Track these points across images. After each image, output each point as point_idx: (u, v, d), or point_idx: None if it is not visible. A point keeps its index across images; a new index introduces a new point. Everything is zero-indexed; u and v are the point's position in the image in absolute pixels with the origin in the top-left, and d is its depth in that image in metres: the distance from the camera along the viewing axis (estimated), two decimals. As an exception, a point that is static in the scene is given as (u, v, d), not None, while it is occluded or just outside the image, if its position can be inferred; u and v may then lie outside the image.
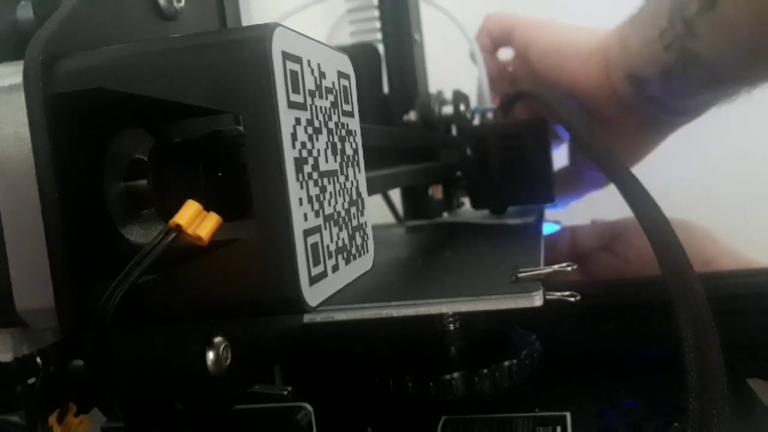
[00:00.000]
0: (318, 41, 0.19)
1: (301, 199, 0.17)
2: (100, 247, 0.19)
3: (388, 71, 0.54)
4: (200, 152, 0.20)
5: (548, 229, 0.53)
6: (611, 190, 0.35)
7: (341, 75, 0.21)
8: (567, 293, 0.28)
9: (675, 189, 0.53)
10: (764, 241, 0.49)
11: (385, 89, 0.55)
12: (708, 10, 0.37)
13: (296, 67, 0.17)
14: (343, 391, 0.38)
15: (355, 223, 0.21)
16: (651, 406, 0.34)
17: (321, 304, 0.18)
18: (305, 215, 0.17)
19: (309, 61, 0.18)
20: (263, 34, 0.16)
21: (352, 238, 0.20)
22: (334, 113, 0.20)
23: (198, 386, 0.21)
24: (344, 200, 0.20)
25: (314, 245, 0.17)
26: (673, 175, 0.63)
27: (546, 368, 0.35)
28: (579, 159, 0.56)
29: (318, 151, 0.18)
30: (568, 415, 0.33)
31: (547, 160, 0.46)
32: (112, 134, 0.20)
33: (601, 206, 0.53)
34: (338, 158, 0.20)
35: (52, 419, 0.21)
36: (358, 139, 0.22)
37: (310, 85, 0.18)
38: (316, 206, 0.18)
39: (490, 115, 0.53)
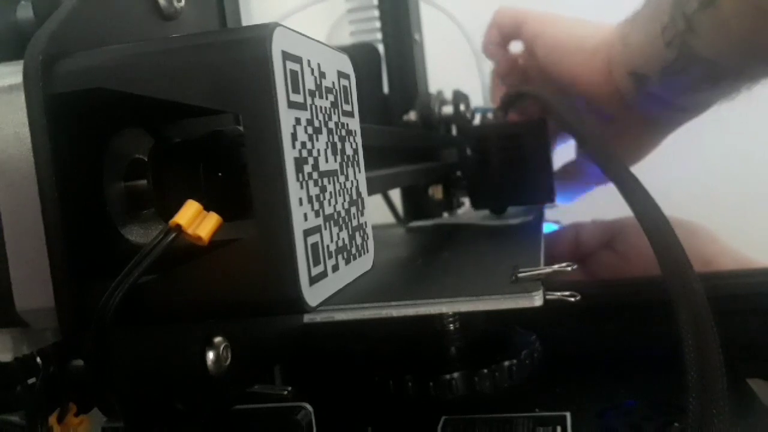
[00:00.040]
0: (318, 41, 0.19)
1: (301, 199, 0.17)
2: (100, 247, 0.19)
3: (388, 71, 0.54)
4: (200, 152, 0.20)
5: (548, 228, 0.53)
6: (612, 189, 0.35)
7: (341, 75, 0.21)
8: (567, 293, 0.28)
9: (675, 189, 0.53)
10: (764, 241, 0.49)
11: (385, 89, 0.55)
12: (708, 7, 0.37)
13: (296, 67, 0.17)
14: (343, 391, 0.38)
15: (355, 223, 0.21)
16: (651, 406, 0.34)
17: (321, 304, 0.17)
18: (305, 215, 0.17)
19: (309, 61, 0.18)
20: (263, 34, 0.16)
21: (352, 238, 0.20)
22: (334, 113, 0.20)
23: (198, 386, 0.21)
24: (344, 200, 0.20)
25: (314, 245, 0.17)
26: (673, 175, 0.63)
27: (546, 368, 0.35)
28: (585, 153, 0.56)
29: (318, 151, 0.18)
30: (568, 415, 0.33)
31: (547, 160, 0.46)
32: (112, 134, 0.20)
33: (601, 206, 0.53)
34: (338, 158, 0.20)
35: (52, 419, 0.21)
36: (358, 139, 0.22)
37: (310, 85, 0.18)
38: (316, 206, 0.18)
39: (490, 115, 0.53)
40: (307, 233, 0.17)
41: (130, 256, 0.17)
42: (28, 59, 0.18)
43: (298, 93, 0.17)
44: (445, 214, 0.54)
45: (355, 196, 0.21)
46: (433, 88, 0.56)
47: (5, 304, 0.19)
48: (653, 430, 0.32)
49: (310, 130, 0.18)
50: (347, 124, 0.21)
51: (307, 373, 0.39)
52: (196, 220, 0.17)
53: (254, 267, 0.17)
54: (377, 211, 0.54)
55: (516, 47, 0.59)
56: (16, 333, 0.20)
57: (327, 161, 0.19)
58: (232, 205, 0.18)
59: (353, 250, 0.20)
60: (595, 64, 0.49)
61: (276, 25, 0.16)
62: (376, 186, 0.31)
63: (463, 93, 0.53)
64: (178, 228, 0.17)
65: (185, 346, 0.20)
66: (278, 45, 0.16)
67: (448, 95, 0.53)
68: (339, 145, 0.20)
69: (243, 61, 0.16)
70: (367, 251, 0.22)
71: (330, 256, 0.18)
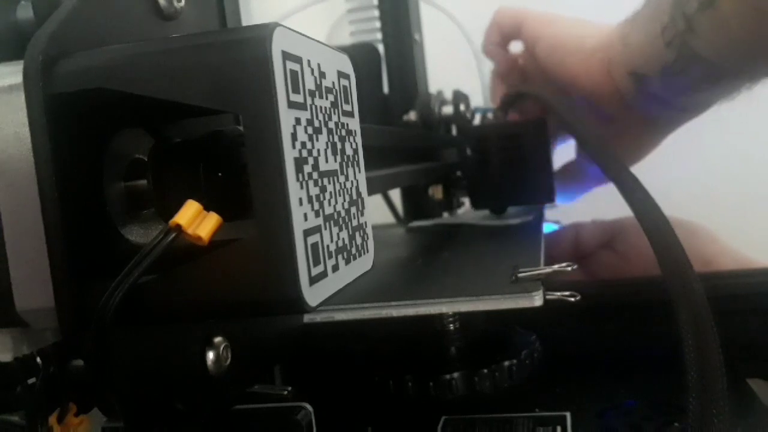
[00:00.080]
0: (318, 41, 0.19)
1: (301, 199, 0.17)
2: (100, 247, 0.19)
3: (388, 71, 0.54)
4: (200, 152, 0.20)
5: (548, 228, 0.53)
6: (612, 189, 0.35)
7: (341, 75, 0.21)
8: (567, 293, 0.28)
9: (675, 189, 0.53)
10: (764, 241, 0.49)
11: (385, 89, 0.55)
12: (708, 7, 0.37)
13: (296, 67, 0.17)
14: (343, 391, 0.38)
15: (355, 223, 0.21)
16: (651, 406, 0.34)
17: (321, 304, 0.17)
18: (305, 215, 0.17)
19: (309, 61, 0.18)
20: (263, 34, 0.16)
21: (352, 238, 0.20)
22: (334, 113, 0.20)
23: (198, 386, 0.21)
24: (344, 200, 0.20)
25: (314, 245, 0.17)
26: (673, 175, 0.63)
27: (546, 368, 0.35)
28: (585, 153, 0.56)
29: (318, 151, 0.18)
30: (568, 415, 0.33)
31: (547, 160, 0.46)
32: (112, 134, 0.20)
33: (601, 206, 0.53)
34: (338, 158, 0.20)
35: (52, 419, 0.21)
36: (358, 139, 0.22)
37: (310, 85, 0.18)
38: (316, 206, 0.18)
39: (490, 115, 0.53)
40: (307, 233, 0.17)
41: (130, 256, 0.17)
42: (28, 59, 0.18)
43: (298, 93, 0.17)
44: (445, 214, 0.54)
45: (355, 196, 0.21)
46: (433, 88, 0.56)
47: (5, 304, 0.19)
48: (653, 430, 0.32)
49: (310, 130, 0.18)
50: (347, 124, 0.21)
51: (307, 373, 0.39)
52: (196, 220, 0.17)
53: (254, 267, 0.17)
54: (377, 211, 0.54)
55: (516, 47, 0.59)
56: (16, 333, 0.20)
57: (327, 161, 0.19)
58: (232, 205, 0.18)
59: (353, 250, 0.20)
60: (594, 64, 0.49)
61: (276, 25, 0.16)
62: (376, 186, 0.31)
63: (463, 93, 0.53)
64: (178, 228, 0.17)
65: (185, 346, 0.20)
66: (278, 45, 0.16)
67: (448, 95, 0.53)
68: (339, 145, 0.20)
69: (243, 61, 0.16)
70: (367, 251, 0.22)
71: (330, 256, 0.18)
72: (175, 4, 0.23)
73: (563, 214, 0.58)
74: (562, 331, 0.40)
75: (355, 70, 0.22)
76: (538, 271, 0.28)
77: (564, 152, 0.59)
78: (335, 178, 0.19)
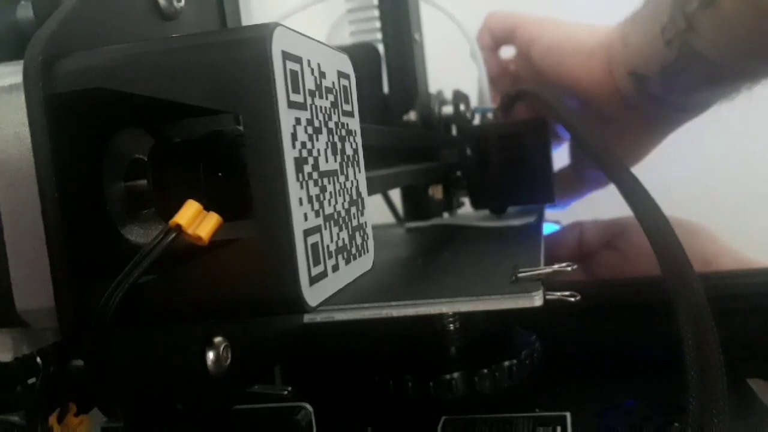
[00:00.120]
0: (318, 41, 0.19)
1: (301, 199, 0.17)
2: (100, 247, 0.19)
3: (388, 71, 0.54)
4: (200, 152, 0.20)
5: (548, 229, 0.53)
6: (611, 189, 0.35)
7: (341, 75, 0.21)
8: (567, 293, 0.28)
9: (675, 189, 0.53)
10: (764, 241, 0.49)
11: (385, 89, 0.54)
12: (708, 6, 0.37)
13: (296, 67, 0.17)
14: (343, 391, 0.38)
15: (355, 223, 0.21)
16: (651, 406, 0.34)
17: (321, 304, 0.17)
18: (305, 215, 0.17)
19: (309, 61, 0.18)
20: (263, 34, 0.16)
21: (352, 238, 0.20)
22: (334, 113, 0.20)
23: (198, 386, 0.21)
24: (344, 200, 0.20)
25: (314, 245, 0.17)
26: (673, 175, 0.63)
27: (546, 368, 0.35)
28: (579, 158, 0.56)
29: (318, 151, 0.18)
30: (568, 415, 0.33)
31: (547, 160, 0.46)
32: (112, 134, 0.20)
33: (601, 206, 0.53)
34: (338, 158, 0.20)
35: (52, 419, 0.21)
36: (358, 139, 0.22)
37: (310, 85, 0.18)
38: (316, 206, 0.18)
39: (490, 115, 0.53)
40: (307, 233, 0.17)
41: (130, 256, 0.17)
42: (28, 59, 0.18)
43: (298, 93, 0.17)
44: (445, 214, 0.54)
45: (355, 196, 0.21)
46: (433, 88, 0.56)
47: (5, 304, 0.19)
48: (653, 430, 0.32)
49: (310, 130, 0.18)
50: (347, 124, 0.21)
51: (307, 373, 0.39)
52: (196, 220, 0.17)
53: (254, 267, 0.17)
54: (377, 211, 0.54)
55: (507, 52, 0.59)
56: (16, 333, 0.20)
57: (327, 161, 0.19)
58: (232, 205, 0.18)
59: (353, 250, 0.20)
60: (594, 65, 0.49)
61: (276, 25, 0.16)
62: (376, 186, 0.31)
63: (463, 93, 0.53)
64: (178, 228, 0.17)
65: (185, 346, 0.20)
66: (278, 45, 0.16)
67: (448, 95, 0.53)
68: (339, 145, 0.20)
69: (243, 61, 0.16)
70: (367, 251, 0.22)
71: (330, 256, 0.18)
72: (175, 4, 0.23)
73: (563, 214, 0.58)
74: (562, 331, 0.40)
75: (355, 70, 0.22)
76: (538, 271, 0.28)
77: (564, 152, 0.59)
78: (335, 178, 0.19)
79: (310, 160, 0.18)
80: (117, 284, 0.17)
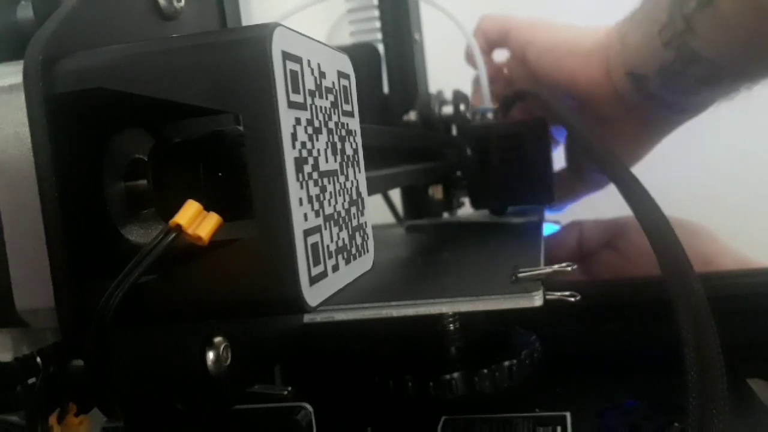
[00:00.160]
0: (318, 41, 0.19)
1: (301, 199, 0.17)
2: (100, 247, 0.19)
3: (388, 71, 0.54)
4: (200, 152, 0.20)
5: (548, 229, 0.53)
6: (611, 190, 0.35)
7: (341, 75, 0.21)
8: (567, 293, 0.28)
9: (675, 189, 0.53)
10: (764, 241, 0.49)
11: (385, 89, 0.54)
12: (707, 6, 0.37)
13: (296, 67, 0.17)
14: (343, 391, 0.38)
15: (355, 223, 0.21)
16: (651, 406, 0.34)
17: (321, 304, 0.18)
18: (305, 215, 0.17)
19: (309, 61, 0.18)
20: (263, 34, 0.16)
21: (352, 238, 0.20)
22: (334, 113, 0.20)
23: (198, 386, 0.21)
24: (344, 200, 0.20)
25: (314, 245, 0.17)
26: (673, 175, 0.63)
27: (546, 368, 0.35)
28: (576, 161, 0.56)
29: (318, 151, 0.18)
30: (568, 415, 0.33)
31: (547, 160, 0.46)
32: (112, 134, 0.20)
33: (601, 206, 0.53)
34: (338, 158, 0.20)
35: (52, 419, 0.21)
36: (358, 139, 0.22)
37: (310, 85, 0.18)
38: (316, 206, 0.18)
39: (489, 115, 0.53)
40: (307, 233, 0.17)
41: (130, 256, 0.17)
42: (28, 59, 0.18)
43: (298, 93, 0.17)
44: (445, 214, 0.54)
45: (355, 196, 0.21)
46: (433, 88, 0.56)
47: (5, 304, 0.19)
48: (653, 430, 0.32)
49: (310, 130, 0.18)
50: (347, 124, 0.21)
51: (307, 373, 0.39)
52: (196, 220, 0.17)
53: (254, 267, 0.17)
54: (377, 211, 0.54)
55: (500, 56, 0.59)
56: (16, 333, 0.20)
57: (327, 161, 0.19)
58: (232, 205, 0.18)
59: (353, 250, 0.20)
60: (591, 66, 0.49)
61: (276, 25, 0.16)
62: (376, 186, 0.31)
63: (463, 93, 0.53)
64: (178, 228, 0.17)
65: (185, 346, 0.20)
66: (278, 45, 0.16)
67: (448, 95, 0.53)
68: (339, 145, 0.20)
69: (243, 61, 0.16)
70: (367, 251, 0.22)
71: (330, 256, 0.18)
72: (175, 4, 0.23)
73: (561, 215, 0.57)
74: (562, 331, 0.40)
75: (355, 70, 0.22)
76: (538, 271, 0.28)
77: (560, 155, 0.59)
78: (335, 178, 0.19)
79: (310, 160, 0.18)
80: (117, 284, 0.17)
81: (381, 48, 0.54)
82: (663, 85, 0.44)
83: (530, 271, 0.28)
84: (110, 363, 0.18)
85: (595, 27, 0.50)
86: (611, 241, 0.52)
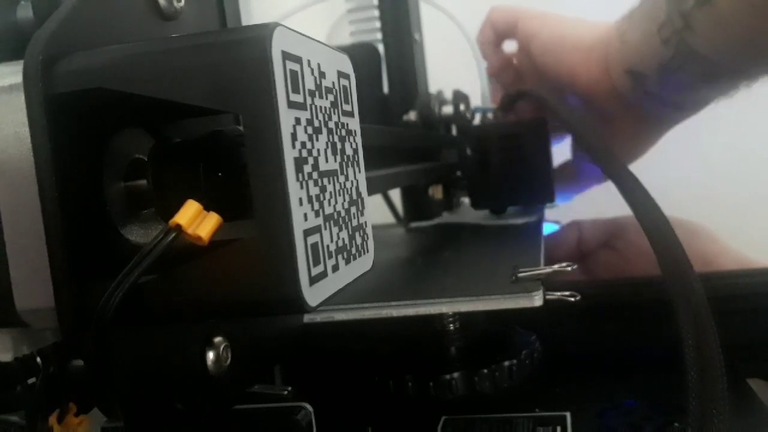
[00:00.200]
0: (318, 41, 0.19)
1: (301, 199, 0.17)
2: (100, 247, 0.19)
3: (388, 71, 0.54)
4: (200, 152, 0.20)
5: (548, 229, 0.53)
6: (611, 188, 0.35)
7: (341, 75, 0.21)
8: (567, 293, 0.28)
9: (675, 189, 0.53)
10: (764, 241, 0.49)
11: (385, 89, 0.54)
12: (705, 4, 0.37)
13: (296, 67, 0.17)
14: (343, 391, 0.38)
15: (355, 223, 0.21)
16: (651, 406, 0.34)
17: (321, 304, 0.17)
18: (305, 215, 0.17)
19: (309, 61, 0.18)
20: (263, 34, 0.16)
21: (352, 238, 0.20)
22: (334, 113, 0.20)
23: (198, 386, 0.21)
24: (344, 200, 0.20)
25: (314, 245, 0.17)
26: (673, 174, 0.63)
27: (546, 368, 0.35)
28: (581, 153, 0.56)
29: (318, 151, 0.18)
30: (568, 415, 0.33)
31: (547, 160, 0.46)
32: (112, 134, 0.20)
33: (601, 205, 0.53)
34: (338, 158, 0.20)
35: (52, 419, 0.21)
36: (358, 139, 0.22)
37: (310, 85, 0.18)
38: (316, 206, 0.18)
39: (490, 115, 0.53)
40: (307, 233, 0.17)
41: (130, 256, 0.17)
42: (28, 59, 0.18)
43: (298, 93, 0.17)
44: (445, 214, 0.54)
45: (355, 196, 0.21)
46: (433, 88, 0.56)
47: (5, 304, 0.19)
48: (653, 430, 0.32)
49: (310, 130, 0.18)
50: (347, 124, 0.21)
51: (307, 373, 0.39)
52: (196, 220, 0.17)
53: (254, 267, 0.17)
54: (377, 211, 0.54)
55: (510, 46, 0.59)
56: (16, 333, 0.20)
57: (327, 161, 0.19)
58: (232, 205, 0.18)
59: (353, 250, 0.20)
60: (592, 63, 0.49)
61: (276, 25, 0.16)
62: (376, 186, 0.31)
63: (463, 93, 0.53)
64: (178, 228, 0.17)
65: (185, 346, 0.20)
66: (278, 45, 0.16)
67: (448, 95, 0.53)
68: (339, 145, 0.20)
69: (243, 61, 0.16)
70: (367, 251, 0.22)
71: (330, 256, 0.18)
72: (175, 4, 0.23)
73: (563, 214, 0.57)
74: (562, 331, 0.40)
75: (355, 70, 0.22)
76: (538, 271, 0.28)
77: (565, 146, 0.58)
78: (335, 178, 0.19)
79: (310, 160, 0.18)
80: (117, 284, 0.17)
81: (381, 48, 0.54)
82: (662, 83, 0.44)
83: (530, 271, 0.28)
84: (110, 363, 0.18)
85: (598, 22, 0.50)
86: (611, 241, 0.52)
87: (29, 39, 0.18)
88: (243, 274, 0.17)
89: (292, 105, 0.17)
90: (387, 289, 0.30)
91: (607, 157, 0.38)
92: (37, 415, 0.20)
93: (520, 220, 0.47)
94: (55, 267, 0.18)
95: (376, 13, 0.54)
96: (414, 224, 0.52)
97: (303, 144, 0.17)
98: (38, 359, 0.20)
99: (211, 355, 0.21)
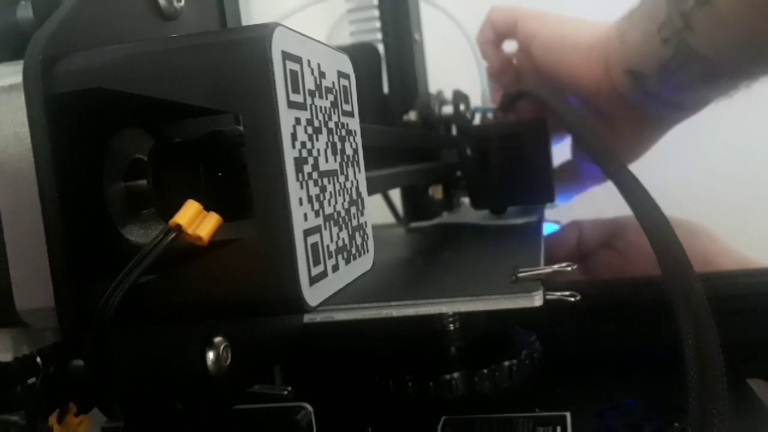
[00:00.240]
0: (318, 41, 0.19)
1: (301, 199, 0.17)
2: (100, 247, 0.19)
3: (388, 71, 0.54)
4: (200, 152, 0.20)
5: (548, 229, 0.53)
6: (611, 188, 0.35)
7: (341, 75, 0.21)
8: (567, 293, 0.28)
9: (675, 189, 0.53)
10: (764, 241, 0.49)
11: (385, 89, 0.54)
12: (705, 4, 0.37)
13: (296, 66, 0.17)
14: (343, 391, 0.38)
15: (355, 223, 0.21)
16: (651, 406, 0.34)
17: (321, 304, 0.18)
18: (305, 215, 0.17)
19: (309, 61, 0.18)
20: (263, 34, 0.16)
21: (352, 238, 0.20)
22: (334, 113, 0.20)
23: (198, 386, 0.21)
24: (344, 200, 0.20)
25: (314, 245, 0.17)
26: (673, 175, 0.63)
27: (546, 368, 0.35)
28: (582, 153, 0.56)
29: (318, 151, 0.18)
30: (568, 415, 0.33)
31: (547, 160, 0.46)
32: (112, 134, 0.20)
33: (601, 205, 0.53)
34: (338, 158, 0.20)
35: (52, 419, 0.21)
36: (358, 139, 0.22)
37: (310, 85, 0.18)
38: (316, 206, 0.18)
39: (490, 115, 0.53)
40: (307, 233, 0.17)
41: (130, 256, 0.17)
42: (28, 59, 0.18)
43: (298, 93, 0.17)
44: (445, 214, 0.54)
45: (355, 196, 0.21)
46: (433, 88, 0.56)
47: (5, 304, 0.19)
48: (653, 430, 0.32)
49: (310, 130, 0.18)
50: (347, 124, 0.21)
51: (307, 373, 0.39)
52: (196, 220, 0.17)
53: (254, 267, 0.17)
54: (377, 211, 0.54)
55: (510, 46, 0.59)
56: (16, 333, 0.20)
57: (327, 161, 0.19)
58: (232, 205, 0.18)
59: (353, 250, 0.20)
60: (592, 63, 0.49)
61: (276, 25, 0.16)
62: (376, 186, 0.31)
63: (463, 93, 0.53)
64: (178, 228, 0.17)
65: (185, 346, 0.20)
66: (278, 45, 0.16)
67: (448, 95, 0.53)
68: (339, 145, 0.20)
69: (243, 61, 0.16)
70: (367, 251, 0.22)
71: (330, 256, 0.18)
72: (175, 4, 0.23)
73: (563, 214, 0.57)
74: (562, 331, 0.40)
75: (355, 70, 0.22)
76: (538, 271, 0.28)
77: (565, 146, 0.58)
78: (335, 178, 0.19)
79: (310, 160, 0.18)
80: (117, 284, 0.17)
81: (381, 48, 0.54)
82: (662, 83, 0.44)
83: (530, 271, 0.28)
84: (110, 363, 0.18)
85: (598, 22, 0.50)
86: (611, 241, 0.52)
87: (29, 39, 0.18)
88: (243, 274, 0.17)
89: (292, 105, 0.17)
90: (387, 289, 0.30)
91: (607, 156, 0.38)
92: (37, 415, 0.20)
93: (520, 220, 0.47)
94: (55, 267, 0.18)
95: (376, 13, 0.54)
96: (414, 224, 0.52)
97: (303, 144, 0.17)
98: (38, 359, 0.20)
99: (211, 355, 0.21)
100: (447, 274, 0.34)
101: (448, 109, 0.52)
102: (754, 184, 0.69)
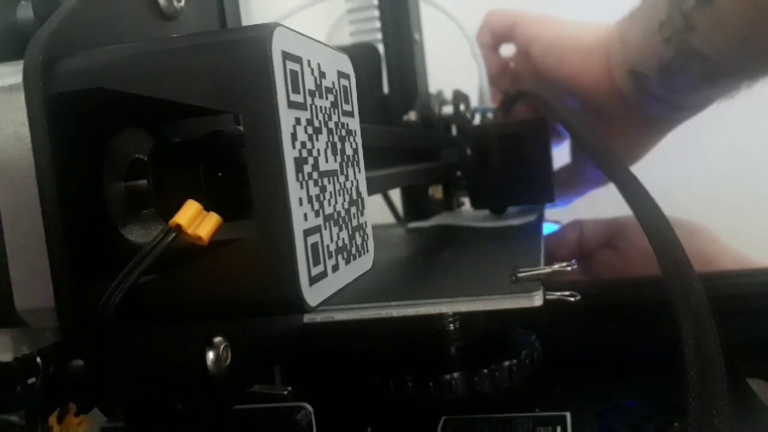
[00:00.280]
0: (318, 41, 0.19)
1: (301, 199, 0.17)
2: (100, 247, 0.19)
3: (388, 71, 0.54)
4: (200, 152, 0.20)
5: (548, 229, 0.53)
6: (612, 188, 0.35)
7: (341, 75, 0.21)
8: (567, 293, 0.28)
9: (675, 189, 0.53)
10: (764, 241, 0.49)
11: (385, 89, 0.54)
12: (706, 4, 0.37)
13: (296, 67, 0.17)
14: (343, 391, 0.38)
15: (355, 223, 0.21)
16: (651, 406, 0.34)
17: (321, 304, 0.18)
18: (305, 215, 0.17)
19: (309, 61, 0.18)
20: (263, 34, 0.16)
21: (352, 237, 0.20)
22: (334, 113, 0.20)
23: (198, 386, 0.21)
24: (344, 200, 0.20)
25: (314, 245, 0.17)
26: (673, 175, 0.63)
27: (546, 368, 0.35)
28: (581, 156, 0.56)
29: (318, 151, 0.18)
30: (568, 415, 0.33)
31: (547, 160, 0.46)
32: (112, 134, 0.20)
33: (602, 205, 0.53)
34: (338, 158, 0.20)
35: (52, 419, 0.21)
36: (358, 139, 0.22)
37: (310, 85, 0.18)
38: (316, 206, 0.18)
39: (490, 115, 0.53)
40: (307, 233, 0.17)
41: (130, 256, 0.17)
42: (28, 59, 0.18)
43: (298, 93, 0.17)
44: (445, 214, 0.54)
45: (355, 196, 0.21)
46: (433, 88, 0.56)
47: (5, 304, 0.19)
48: (653, 430, 0.32)
49: (310, 130, 0.18)
50: (347, 124, 0.21)
51: (307, 373, 0.39)
52: (196, 220, 0.17)
53: (254, 267, 0.17)
54: (377, 211, 0.54)
55: (507, 50, 0.59)
56: (16, 333, 0.20)
57: (327, 161, 0.19)
58: (232, 205, 0.18)
59: (353, 250, 0.20)
60: (593, 64, 0.49)
61: (276, 25, 0.16)
62: (376, 186, 0.31)
63: (463, 93, 0.53)
64: (178, 228, 0.17)
65: (185, 346, 0.20)
66: (278, 45, 0.16)
67: (448, 95, 0.53)
68: (339, 145, 0.20)
69: (243, 61, 0.16)
70: (367, 251, 0.22)
71: (330, 256, 0.18)
72: (175, 4, 0.23)
73: (563, 214, 0.58)
74: (562, 331, 0.40)
75: (355, 70, 0.22)
76: (538, 271, 0.28)
77: (564, 150, 0.59)
78: (335, 178, 0.19)
79: (310, 160, 0.18)
80: (117, 284, 0.17)
81: (381, 48, 0.54)
82: (663, 83, 0.44)
83: (530, 270, 0.28)
84: (110, 363, 0.18)
85: (598, 24, 0.50)
86: (611, 241, 0.52)
87: (29, 39, 0.18)
88: (243, 274, 0.17)
89: (292, 105, 0.17)
90: (387, 289, 0.30)
91: (607, 157, 0.38)
92: (37, 415, 0.20)
93: (520, 220, 0.47)
94: (55, 267, 0.18)
95: (376, 13, 0.54)
96: (414, 224, 0.52)
97: (303, 144, 0.17)
98: (38, 359, 0.20)
99: (211, 355, 0.21)
100: (447, 274, 0.34)
101: (448, 109, 0.52)
102: (754, 184, 0.69)
